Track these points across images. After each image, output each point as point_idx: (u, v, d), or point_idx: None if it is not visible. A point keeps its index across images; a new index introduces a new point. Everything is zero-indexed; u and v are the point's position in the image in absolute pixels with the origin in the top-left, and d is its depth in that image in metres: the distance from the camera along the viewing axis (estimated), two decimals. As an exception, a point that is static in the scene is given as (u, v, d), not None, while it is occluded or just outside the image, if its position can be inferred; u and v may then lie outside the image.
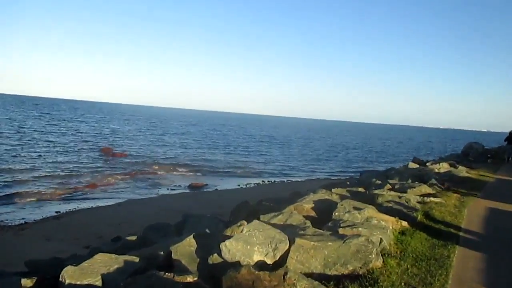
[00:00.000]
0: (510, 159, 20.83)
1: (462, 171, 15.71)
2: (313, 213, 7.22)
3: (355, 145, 64.69)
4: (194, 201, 17.25)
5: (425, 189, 10.61)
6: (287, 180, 25.36)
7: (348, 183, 14.28)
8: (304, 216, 6.86)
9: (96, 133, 48.90)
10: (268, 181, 24.51)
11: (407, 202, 8.59)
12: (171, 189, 20.72)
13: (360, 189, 10.49)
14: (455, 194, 10.35)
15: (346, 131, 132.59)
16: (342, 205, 7.07)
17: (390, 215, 7.18)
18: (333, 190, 10.30)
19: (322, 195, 8.06)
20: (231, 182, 23.88)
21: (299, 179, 25.83)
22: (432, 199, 9.20)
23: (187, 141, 47.76)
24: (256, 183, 23.52)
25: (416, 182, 11.66)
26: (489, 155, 22.67)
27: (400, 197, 8.87)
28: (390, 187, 11.15)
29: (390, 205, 7.94)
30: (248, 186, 22.88)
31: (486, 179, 13.53)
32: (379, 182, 11.90)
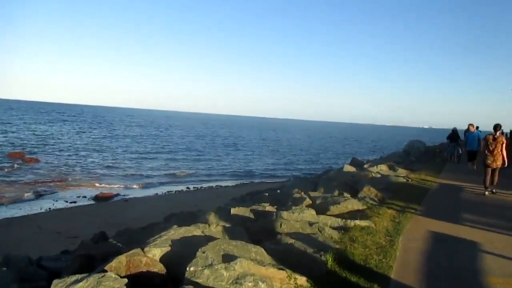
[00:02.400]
0: (452, 157, 19.39)
1: (402, 174, 13.70)
2: (158, 268, 4.40)
3: (303, 144, 63.12)
4: (81, 218, 14.13)
5: (353, 204, 8.23)
6: (216, 186, 22.50)
7: (267, 194, 11.75)
8: (135, 276, 4.07)
9: (14, 136, 43.04)
10: (194, 188, 21.53)
11: (320, 231, 6.05)
12: (71, 202, 17.18)
13: (269, 208, 7.89)
14: (390, 210, 8.03)
15: (298, 130, 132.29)
16: (203, 253, 4.30)
17: (285, 263, 4.56)
18: (232, 210, 7.62)
19: (189, 230, 5.23)
20: (150, 190, 20.70)
21: (230, 184, 23.06)
22: (358, 222, 6.73)
23: (126, 144, 43.29)
24: (177, 191, 20.48)
25: (344, 195, 9.30)
26: (435, 153, 21.31)
27: (312, 224, 6.31)
28: (310, 202, 8.73)
29: (291, 241, 5.33)
30: (167, 193, 19.82)
31: (427, 185, 11.48)
32: (299, 195, 9.44)
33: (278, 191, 12.84)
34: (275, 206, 8.29)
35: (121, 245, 5.97)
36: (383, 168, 14.75)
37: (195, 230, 5.33)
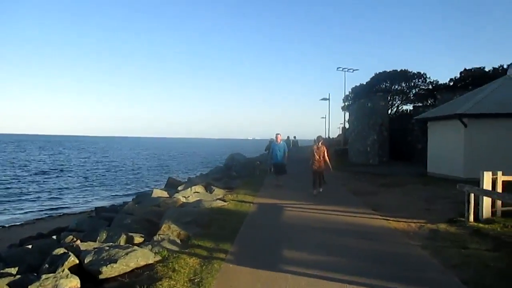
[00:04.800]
0: (272, 169, 18.89)
1: (219, 195, 11.74)
2: None
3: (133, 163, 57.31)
4: None
5: (140, 257, 5.50)
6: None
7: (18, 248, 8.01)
8: None
9: None
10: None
11: None
12: None
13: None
14: (192, 259, 5.63)
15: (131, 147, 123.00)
16: None
17: None
18: None
19: None
20: None
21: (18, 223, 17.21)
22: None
23: None
24: None
25: (134, 240, 6.54)
26: (255, 166, 20.46)
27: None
28: (77, 261, 5.65)
29: None
30: None
31: (245, 208, 9.71)
32: (62, 250, 6.19)
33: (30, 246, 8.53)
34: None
35: None
36: (198, 190, 12.61)
37: None
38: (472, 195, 7.35)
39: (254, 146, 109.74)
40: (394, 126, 25.54)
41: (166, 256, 5.80)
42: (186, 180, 22.81)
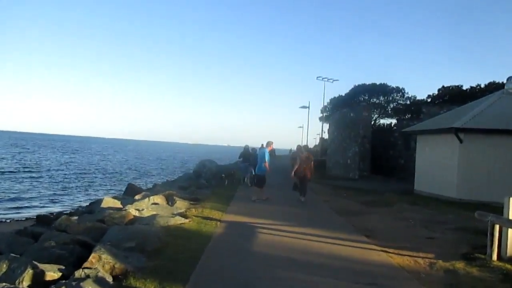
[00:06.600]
0: (245, 179, 17.14)
1: (181, 209, 9.85)
2: None
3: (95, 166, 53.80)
4: None
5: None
6: None
7: None
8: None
9: None
10: None
11: None
12: None
13: None
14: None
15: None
16: None
17: None
18: None
19: None
20: None
21: None
22: None
23: None
24: None
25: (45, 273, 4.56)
26: (229, 174, 18.57)
27: None
28: None
29: None
30: None
31: (210, 228, 7.84)
32: None
33: None
34: None
35: None
36: (157, 201, 10.67)
37: None
38: (497, 227, 5.81)
39: (229, 153, 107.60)
40: (375, 139, 24.32)
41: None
42: (152, 186, 20.70)
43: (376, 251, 6.62)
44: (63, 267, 5.17)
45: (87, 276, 4.70)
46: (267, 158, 11.98)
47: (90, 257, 5.15)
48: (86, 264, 5.08)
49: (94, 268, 4.94)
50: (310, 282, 4.92)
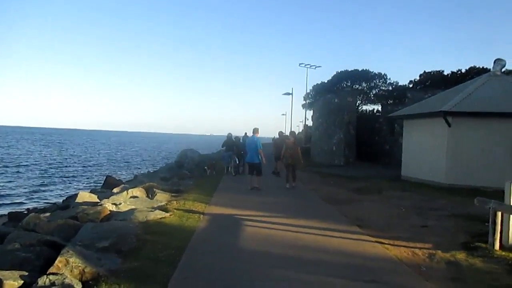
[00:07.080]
0: (229, 169, 16.61)
1: (161, 202, 9.28)
2: None
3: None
4: None
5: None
6: None
7: None
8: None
9: None
10: None
11: None
12: None
13: None
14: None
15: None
16: None
17: None
18: None
19: None
20: None
21: None
22: None
23: None
24: None
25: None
26: (211, 165, 17.93)
27: None
28: None
29: None
30: None
31: (192, 223, 7.29)
32: None
33: None
34: None
35: None
36: (136, 193, 10.07)
37: None
38: (499, 214, 5.46)
39: (211, 142, 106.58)
40: (360, 125, 24.04)
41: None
42: (133, 177, 20.00)
43: (371, 242, 6.21)
44: (26, 273, 4.57)
45: (52, 284, 4.13)
46: (260, 146, 11.47)
47: (56, 261, 4.56)
48: (51, 270, 4.49)
49: (61, 274, 4.36)
50: (305, 282, 4.46)
